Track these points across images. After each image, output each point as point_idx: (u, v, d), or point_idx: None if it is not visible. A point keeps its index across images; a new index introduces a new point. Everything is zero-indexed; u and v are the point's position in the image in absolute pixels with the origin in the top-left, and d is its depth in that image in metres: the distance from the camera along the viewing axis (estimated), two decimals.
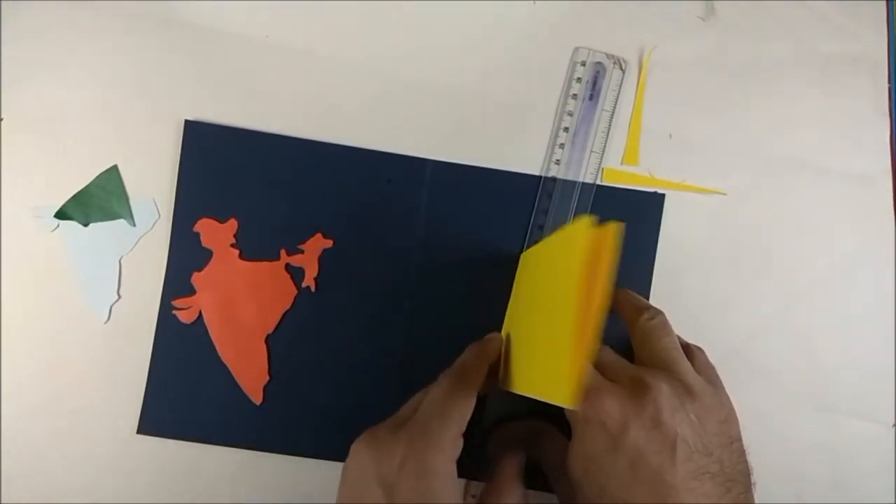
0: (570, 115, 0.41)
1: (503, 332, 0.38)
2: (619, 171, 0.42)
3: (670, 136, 0.42)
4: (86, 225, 0.41)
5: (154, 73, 0.42)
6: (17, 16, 0.42)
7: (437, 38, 0.43)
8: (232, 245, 0.41)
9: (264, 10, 0.43)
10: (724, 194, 0.41)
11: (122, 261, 0.41)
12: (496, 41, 0.43)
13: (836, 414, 0.41)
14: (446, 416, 0.32)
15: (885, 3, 0.43)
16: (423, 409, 0.33)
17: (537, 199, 0.41)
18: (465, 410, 0.32)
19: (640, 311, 0.36)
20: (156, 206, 0.41)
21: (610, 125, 0.42)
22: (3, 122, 0.41)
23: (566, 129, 0.41)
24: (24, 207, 0.41)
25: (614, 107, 0.42)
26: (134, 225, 0.41)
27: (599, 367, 0.34)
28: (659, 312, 0.36)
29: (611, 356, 0.35)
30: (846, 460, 0.41)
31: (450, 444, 0.31)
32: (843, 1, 0.43)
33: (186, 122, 0.41)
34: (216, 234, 0.41)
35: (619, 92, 0.42)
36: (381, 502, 0.30)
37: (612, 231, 0.26)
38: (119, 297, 0.41)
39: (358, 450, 0.32)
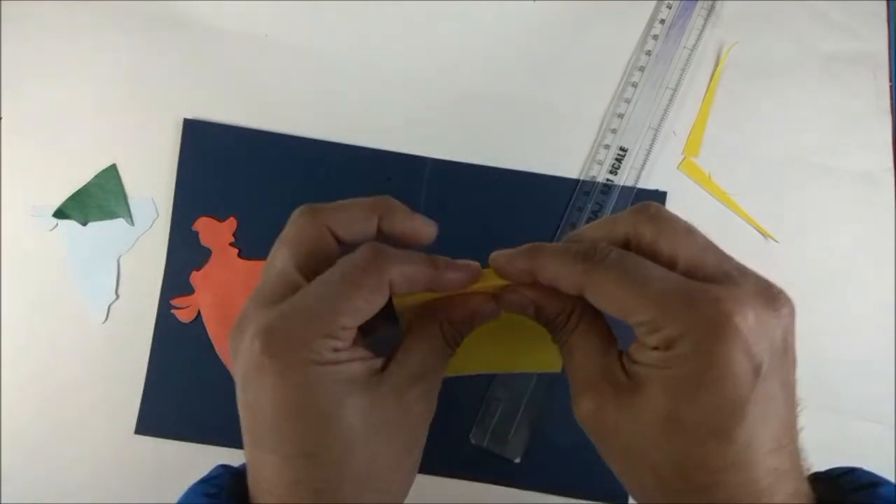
0: (627, 100, 0.42)
1: None
2: (695, 165, 0.42)
3: (674, 133, 0.42)
4: (84, 224, 0.41)
5: (153, 72, 0.42)
6: (17, 16, 0.42)
7: (437, 36, 0.43)
8: (231, 244, 0.41)
9: (264, 9, 0.43)
10: (777, 242, 0.41)
11: (120, 260, 0.41)
12: (497, 40, 0.43)
13: (837, 414, 0.40)
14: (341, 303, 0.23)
15: (885, 1, 0.43)
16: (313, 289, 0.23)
17: (570, 204, 0.41)
18: (369, 306, 0.24)
19: (566, 256, 0.24)
20: (154, 205, 0.41)
21: (658, 131, 0.42)
22: (2, 122, 0.41)
23: (620, 114, 0.41)
24: (23, 207, 0.41)
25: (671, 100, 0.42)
26: (132, 224, 0.41)
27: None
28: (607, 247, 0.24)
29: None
30: (848, 461, 0.40)
31: (328, 347, 0.23)
32: (843, 0, 0.43)
33: (185, 120, 0.41)
34: (215, 232, 0.41)
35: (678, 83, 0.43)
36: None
37: None
38: (117, 296, 0.40)
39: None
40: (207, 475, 0.26)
